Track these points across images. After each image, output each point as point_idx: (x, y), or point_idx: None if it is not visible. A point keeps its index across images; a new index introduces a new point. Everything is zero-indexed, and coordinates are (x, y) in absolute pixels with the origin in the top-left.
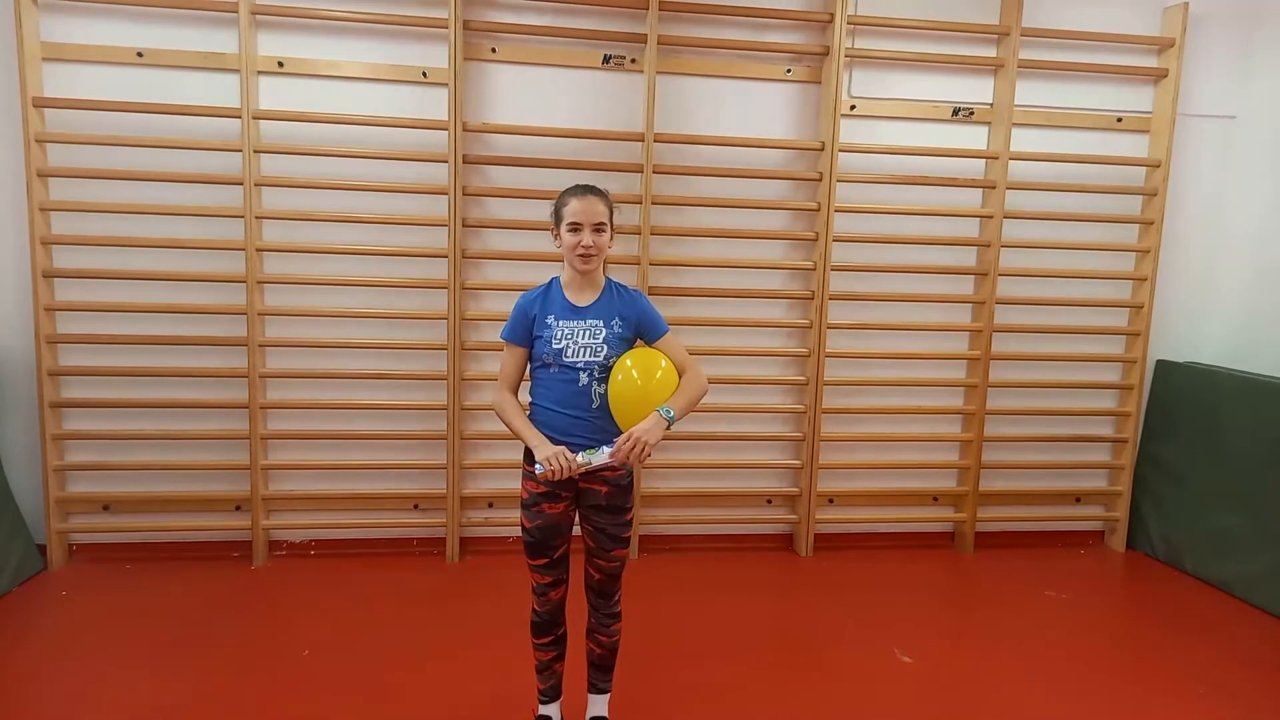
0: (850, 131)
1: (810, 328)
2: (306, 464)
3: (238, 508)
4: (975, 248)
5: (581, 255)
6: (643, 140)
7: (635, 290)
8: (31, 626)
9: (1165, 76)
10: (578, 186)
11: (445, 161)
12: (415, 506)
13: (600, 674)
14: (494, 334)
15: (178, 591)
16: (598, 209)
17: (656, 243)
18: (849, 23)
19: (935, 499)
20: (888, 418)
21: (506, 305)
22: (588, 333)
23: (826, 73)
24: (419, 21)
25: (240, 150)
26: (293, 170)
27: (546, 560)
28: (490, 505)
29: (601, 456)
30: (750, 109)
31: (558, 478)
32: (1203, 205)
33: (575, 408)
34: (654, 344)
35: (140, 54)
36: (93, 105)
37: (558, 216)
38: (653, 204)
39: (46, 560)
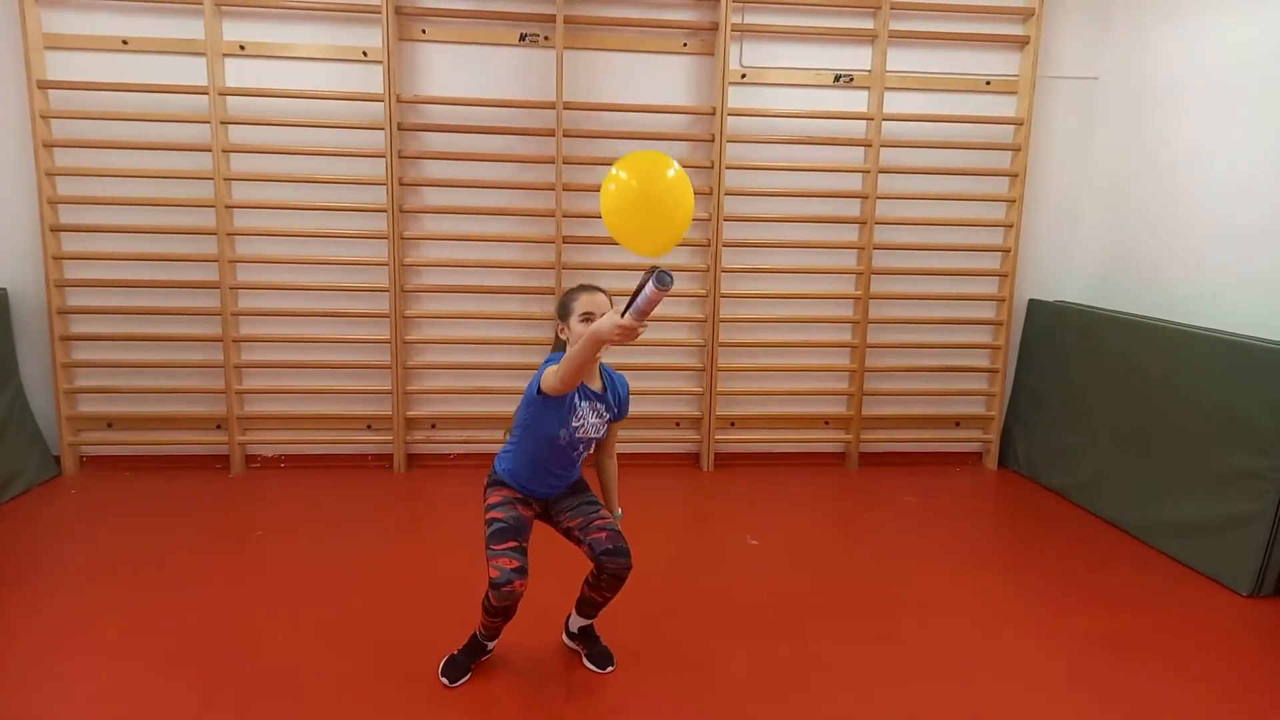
0: (742, 98)
1: (707, 271)
2: (274, 389)
3: (218, 426)
4: (857, 200)
5: None
6: (554, 108)
7: (620, 375)
8: (46, 511)
9: (1028, 43)
10: (582, 286)
11: (383, 129)
12: (368, 427)
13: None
14: (430, 277)
15: (166, 492)
16: (604, 301)
17: (569, 198)
18: (735, 0)
19: (827, 423)
20: (781, 351)
21: (438, 253)
22: (595, 414)
23: (717, 46)
24: (358, 7)
25: (209, 122)
26: (254, 138)
27: (515, 544)
28: (433, 426)
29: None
30: (651, 79)
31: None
32: (1066, 159)
33: (562, 467)
34: (612, 423)
35: (125, 41)
36: (87, 86)
37: (567, 310)
38: (565, 163)
39: (60, 468)
